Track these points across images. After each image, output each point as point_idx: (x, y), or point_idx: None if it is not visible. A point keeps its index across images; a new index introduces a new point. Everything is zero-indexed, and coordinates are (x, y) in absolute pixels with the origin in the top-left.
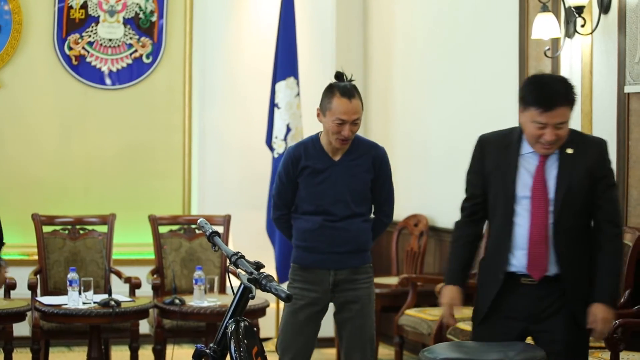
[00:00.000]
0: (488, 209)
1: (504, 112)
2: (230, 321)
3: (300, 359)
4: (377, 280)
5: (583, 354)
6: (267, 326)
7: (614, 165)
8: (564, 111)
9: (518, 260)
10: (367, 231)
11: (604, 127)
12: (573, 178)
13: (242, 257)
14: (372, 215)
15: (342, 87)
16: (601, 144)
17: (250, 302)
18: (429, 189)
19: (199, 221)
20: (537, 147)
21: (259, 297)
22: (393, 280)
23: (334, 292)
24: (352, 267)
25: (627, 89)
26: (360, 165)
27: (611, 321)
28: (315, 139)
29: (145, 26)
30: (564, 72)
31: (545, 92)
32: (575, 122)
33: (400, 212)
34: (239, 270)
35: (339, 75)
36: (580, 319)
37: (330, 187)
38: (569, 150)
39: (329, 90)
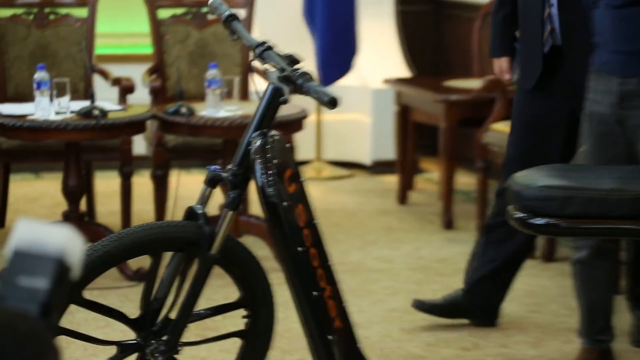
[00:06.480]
0: None
1: None
2: (255, 135)
3: None
4: (452, 83)
5: None
6: (306, 144)
7: None
8: None
9: None
10: None
11: None
12: None
13: (271, 48)
14: None
15: None
16: None
17: (283, 111)
18: None
19: (211, 1)
20: None
21: (295, 104)
22: (474, 84)
23: (622, 108)
24: None
25: None
26: None
27: None
28: None
29: None
30: None
31: None
32: None
33: None
34: (266, 66)
35: None
36: None
37: None
38: None
39: None
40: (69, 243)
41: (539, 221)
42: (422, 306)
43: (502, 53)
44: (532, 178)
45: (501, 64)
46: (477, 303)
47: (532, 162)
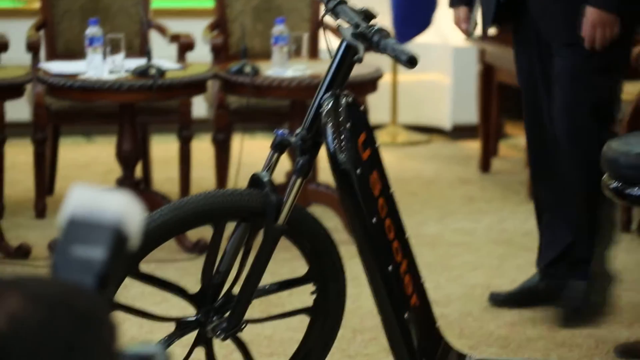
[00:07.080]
0: None
1: None
2: (326, 96)
3: None
4: None
5: None
6: (380, 107)
7: None
8: None
9: None
10: None
11: None
12: None
13: (344, 2)
14: None
15: None
16: None
17: (356, 71)
18: None
19: None
20: None
21: (368, 63)
22: None
23: None
24: None
25: None
26: None
27: (605, 26)
28: None
29: None
30: None
31: None
32: None
33: None
34: (338, 21)
35: None
36: None
37: None
38: None
39: None
40: (128, 210)
41: (637, 192)
42: (498, 299)
43: (459, 3)
44: (630, 144)
45: (459, 14)
46: (557, 285)
47: (534, 125)
